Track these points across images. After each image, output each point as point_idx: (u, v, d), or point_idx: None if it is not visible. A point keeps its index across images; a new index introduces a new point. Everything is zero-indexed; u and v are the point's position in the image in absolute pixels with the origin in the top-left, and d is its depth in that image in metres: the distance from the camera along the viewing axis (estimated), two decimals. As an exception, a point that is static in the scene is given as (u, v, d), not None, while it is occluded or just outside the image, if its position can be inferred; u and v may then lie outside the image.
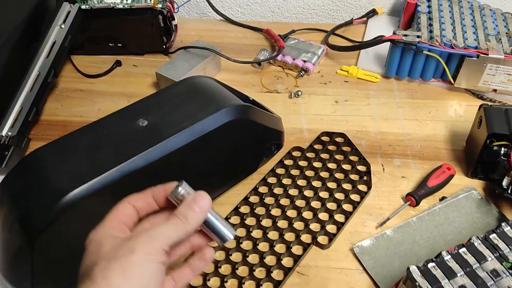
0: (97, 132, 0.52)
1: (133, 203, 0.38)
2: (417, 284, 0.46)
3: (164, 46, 0.87)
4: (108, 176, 0.47)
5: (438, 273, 0.47)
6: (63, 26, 0.78)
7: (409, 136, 0.73)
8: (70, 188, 0.45)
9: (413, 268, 0.47)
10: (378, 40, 0.80)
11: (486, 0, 0.89)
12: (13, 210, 0.46)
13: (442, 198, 0.63)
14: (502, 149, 0.62)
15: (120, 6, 0.80)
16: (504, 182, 0.60)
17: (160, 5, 0.81)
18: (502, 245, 0.49)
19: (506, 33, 0.80)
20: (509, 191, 0.59)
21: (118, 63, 0.86)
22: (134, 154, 0.49)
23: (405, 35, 0.78)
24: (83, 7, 0.80)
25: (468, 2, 0.87)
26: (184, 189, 0.37)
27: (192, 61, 0.80)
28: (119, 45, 0.87)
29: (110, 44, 0.87)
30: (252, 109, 0.59)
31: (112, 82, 0.84)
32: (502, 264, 0.48)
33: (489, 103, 0.68)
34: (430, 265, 0.47)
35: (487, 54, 0.74)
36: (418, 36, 0.78)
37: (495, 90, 0.78)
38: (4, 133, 0.68)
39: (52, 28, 0.78)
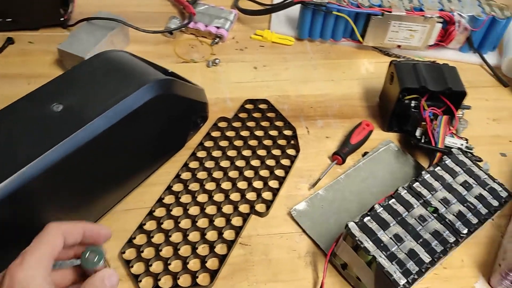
0: (7, 122, 0.46)
1: (65, 234, 0.37)
2: (356, 238, 0.48)
3: (62, 19, 0.79)
4: (29, 171, 0.42)
5: (373, 225, 0.50)
6: None
7: (328, 96, 0.76)
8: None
9: (352, 224, 0.49)
10: (289, 2, 0.80)
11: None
12: None
13: (365, 154, 0.67)
14: (413, 102, 0.67)
15: (6, -24, 0.71)
16: (417, 133, 0.65)
17: (53, -27, 0.73)
18: (424, 191, 0.54)
19: (405, -9, 0.84)
20: (422, 141, 0.64)
21: (10, 41, 0.77)
22: (55, 142, 0.44)
23: (315, -3, 0.79)
24: (-42, -23, 0.69)
25: (369, -39, 0.90)
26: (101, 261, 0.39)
27: (97, 33, 0.73)
28: (8, 20, 0.77)
29: (-2, 20, 0.76)
30: (175, 82, 0.56)
31: (6, 62, 0.74)
32: (426, 210, 0.52)
33: (398, 60, 0.73)
34: (366, 219, 0.50)
35: (391, 12, 0.78)
36: (327, -3, 0.79)
37: (399, 46, 0.83)
38: None
39: None
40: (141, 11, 0.87)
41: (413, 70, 0.67)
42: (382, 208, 0.52)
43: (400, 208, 0.52)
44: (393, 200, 0.53)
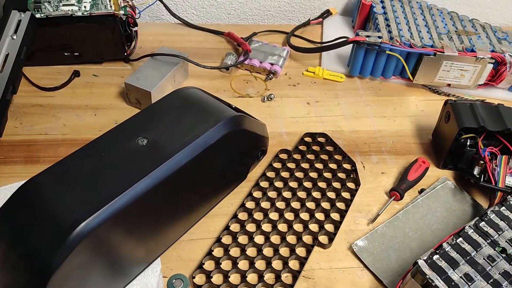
0: (96, 155, 0.48)
1: None
2: (427, 277, 0.49)
3: (125, 54, 0.83)
4: (118, 202, 0.44)
5: (443, 264, 0.50)
6: (15, 37, 0.72)
7: (381, 133, 0.77)
8: (81, 218, 0.42)
9: (421, 262, 0.50)
10: (343, 42, 0.83)
11: (432, 0, 0.95)
12: (16, 245, 0.42)
13: (421, 190, 0.67)
14: (468, 140, 0.68)
15: (79, 14, 0.75)
16: (476, 171, 0.66)
17: (122, 11, 0.77)
18: (491, 231, 0.54)
19: (456, 31, 0.86)
20: (481, 180, 0.65)
21: (76, 74, 0.81)
22: (141, 176, 0.46)
23: (368, 36, 0.81)
24: (37, 15, 0.74)
25: (417, 2, 0.93)
26: None
27: (161, 69, 0.77)
28: (75, 54, 0.81)
29: (66, 54, 0.81)
30: (246, 119, 0.59)
31: (73, 94, 0.78)
32: (495, 250, 0.52)
33: (453, 99, 0.74)
34: (435, 257, 0.51)
35: (443, 52, 0.80)
36: (379, 37, 0.82)
37: (449, 85, 0.85)
38: (-37, 159, 0.61)
39: (2, 40, 0.71)
40: (198, 47, 0.91)
41: (470, 109, 0.69)
42: (450, 247, 0.52)
43: (468, 247, 0.52)
44: (461, 239, 0.53)
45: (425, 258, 0.51)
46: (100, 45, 0.81)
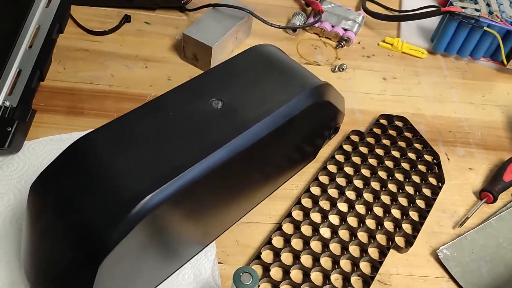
0: (163, 114, 0.40)
1: None
2: (546, 306, 0.40)
3: (182, 1, 0.74)
4: (188, 175, 0.36)
5: None
6: (65, -32, 0.63)
7: (467, 121, 0.67)
8: (145, 191, 0.34)
9: (539, 287, 0.41)
10: (434, 11, 0.72)
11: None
12: (65, 214, 0.35)
13: (517, 194, 0.58)
14: None
15: (138, -51, 0.66)
16: None
17: (185, -49, 0.68)
18: None
19: None
20: None
21: (127, 19, 0.72)
22: (216, 146, 0.38)
23: (464, 8, 0.70)
24: None
25: (519, -26, 0.80)
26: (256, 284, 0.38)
27: (224, 22, 0.67)
28: (127, -4, 0.72)
29: (118, -5, 0.72)
30: (331, 89, 0.50)
31: (123, 41, 0.70)
32: None
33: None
34: (554, 282, 0.42)
35: (551, 35, 0.68)
36: (477, 10, 0.70)
37: (548, 74, 0.74)
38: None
39: (50, -30, 0.63)
40: (261, 2, 0.80)
41: None
42: None
43: None
44: None
45: (540, 281, 0.42)
46: (156, -11, 0.72)
